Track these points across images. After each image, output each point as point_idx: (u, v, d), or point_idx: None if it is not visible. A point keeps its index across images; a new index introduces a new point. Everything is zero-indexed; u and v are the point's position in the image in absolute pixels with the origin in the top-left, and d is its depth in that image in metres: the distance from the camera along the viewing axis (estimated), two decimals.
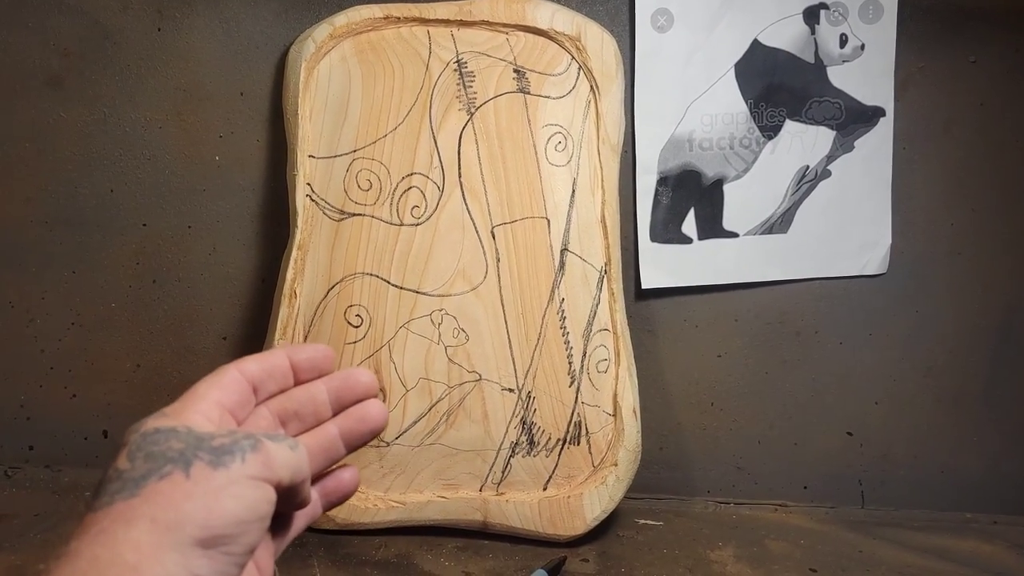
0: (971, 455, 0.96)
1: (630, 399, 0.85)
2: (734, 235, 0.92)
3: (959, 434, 0.96)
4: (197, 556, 0.34)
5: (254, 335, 0.90)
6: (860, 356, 0.95)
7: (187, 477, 0.35)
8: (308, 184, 0.84)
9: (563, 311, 0.84)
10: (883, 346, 0.95)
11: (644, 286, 0.92)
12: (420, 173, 0.84)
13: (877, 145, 0.91)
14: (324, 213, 0.84)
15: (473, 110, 0.85)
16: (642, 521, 0.92)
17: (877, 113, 0.91)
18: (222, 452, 0.37)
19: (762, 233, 0.92)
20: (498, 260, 0.84)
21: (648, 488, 0.94)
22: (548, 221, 0.85)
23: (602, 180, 0.86)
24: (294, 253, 0.84)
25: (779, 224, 0.92)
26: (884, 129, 0.91)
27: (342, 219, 0.84)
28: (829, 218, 0.92)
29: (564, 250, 0.85)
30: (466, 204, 0.84)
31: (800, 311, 0.94)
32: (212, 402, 0.41)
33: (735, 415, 0.95)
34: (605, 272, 0.86)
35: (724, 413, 0.95)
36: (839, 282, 0.94)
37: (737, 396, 0.95)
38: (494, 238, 0.84)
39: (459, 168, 0.84)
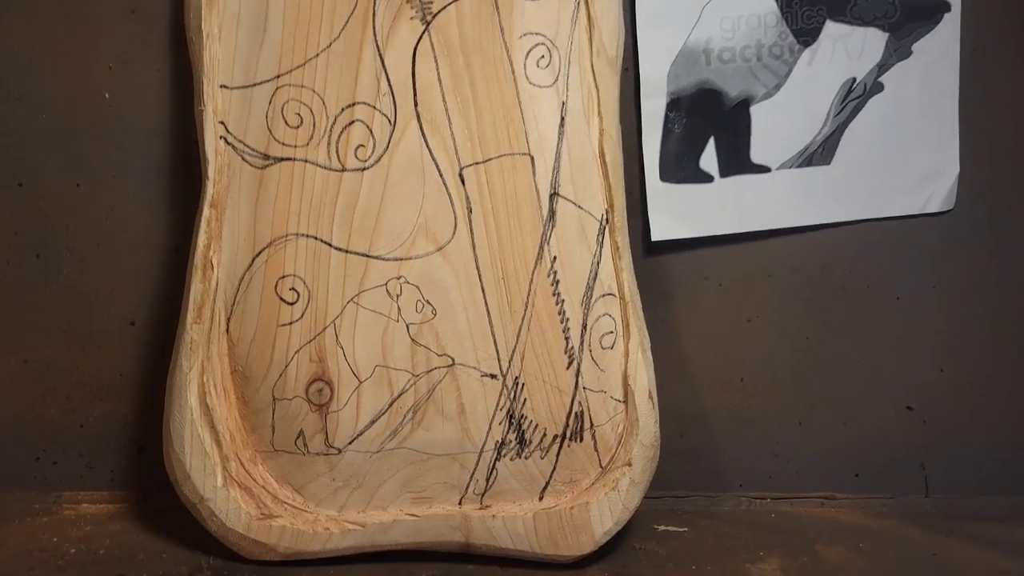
0: None
1: (644, 380, 0.67)
2: (765, 169, 0.74)
3: None
4: None
5: (169, 317, 0.71)
6: (921, 314, 0.78)
7: None
8: (221, 123, 0.66)
9: (555, 273, 0.66)
10: (949, 300, 0.78)
11: (655, 238, 0.74)
12: (364, 103, 0.65)
13: (941, 49, 0.73)
14: (244, 159, 0.65)
15: (429, 18, 0.66)
16: (662, 527, 0.75)
17: (940, 8, 0.73)
18: None
19: (799, 166, 0.74)
20: (469, 211, 0.66)
21: (668, 484, 0.77)
22: (532, 159, 0.66)
23: (598, 104, 0.68)
24: (206, 212, 0.65)
25: (820, 154, 0.74)
26: (949, 28, 0.73)
27: (267, 166, 0.65)
28: (882, 144, 0.74)
29: (554, 195, 0.66)
30: (425, 141, 0.65)
31: (847, 261, 0.77)
32: None
33: (770, 392, 0.79)
34: (607, 221, 0.68)
35: (756, 390, 0.78)
36: (895, 223, 0.76)
37: (772, 369, 0.78)
38: (463, 183, 0.66)
39: (414, 94, 0.65)
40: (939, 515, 0.78)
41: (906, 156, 0.74)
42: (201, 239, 0.65)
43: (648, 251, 0.76)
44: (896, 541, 0.73)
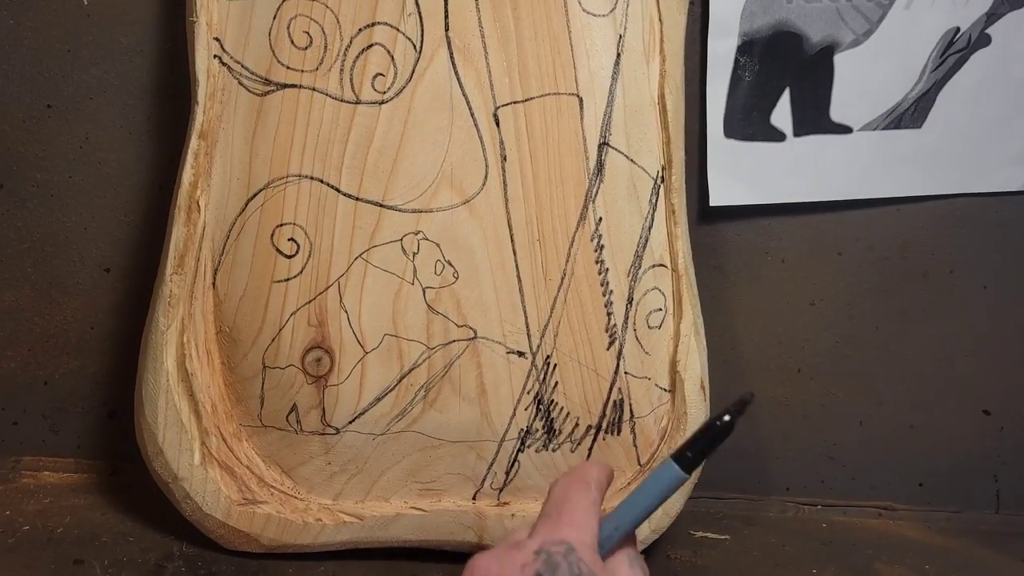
0: None
1: (696, 367, 0.58)
2: (846, 130, 0.64)
3: None
4: None
5: (148, 265, 0.62)
6: (1009, 306, 0.68)
7: None
8: (216, 39, 0.55)
9: (600, 236, 0.56)
10: None
11: (713, 203, 0.64)
12: (386, 23, 0.55)
13: None
14: (241, 83, 0.55)
15: None
16: (700, 534, 0.66)
17: None
18: None
19: (886, 128, 0.64)
20: (503, 159, 0.56)
21: (706, 484, 0.67)
22: (580, 100, 0.56)
23: (661, 41, 0.58)
24: (194, 144, 0.56)
25: (911, 115, 0.63)
26: None
27: (268, 93, 0.55)
28: (983, 107, 0.64)
29: (603, 145, 0.56)
30: (456, 72, 0.55)
31: (931, 242, 0.67)
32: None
33: (830, 386, 0.69)
34: (662, 179, 0.58)
35: (815, 383, 0.69)
36: (988, 201, 0.67)
37: (834, 360, 0.69)
38: (498, 125, 0.56)
39: (446, 16, 0.55)
40: (1012, 534, 0.69)
41: (1009, 123, 0.64)
42: (186, 175, 0.55)
43: (703, 218, 0.66)
44: (966, 563, 0.64)
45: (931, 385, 0.69)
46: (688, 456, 0.36)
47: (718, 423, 0.35)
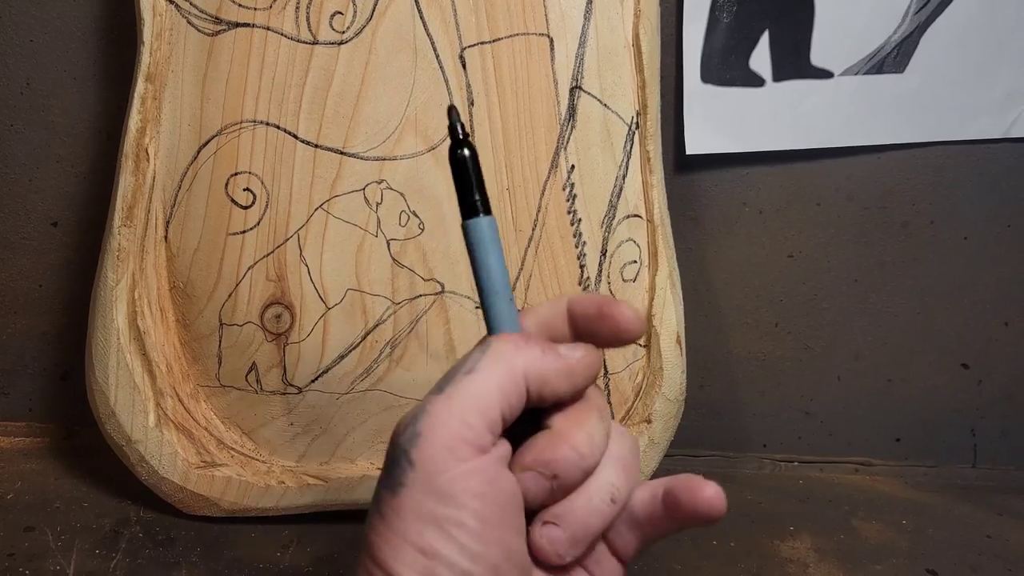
0: None
1: (672, 321, 0.56)
2: (826, 74, 0.61)
3: None
4: None
5: (97, 219, 0.59)
6: (992, 257, 0.67)
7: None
8: None
9: (572, 185, 0.54)
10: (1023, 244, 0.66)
11: (690, 151, 0.62)
12: None
13: None
14: (190, 22, 0.52)
15: None
16: None
17: None
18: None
19: (867, 72, 0.61)
20: (471, 103, 0.53)
21: (682, 441, 0.66)
22: (551, 41, 0.53)
23: None
24: (141, 88, 0.52)
25: (893, 59, 0.61)
26: None
27: (219, 32, 0.52)
28: (967, 51, 0.62)
29: (575, 88, 0.54)
30: (419, 10, 0.52)
31: (912, 191, 0.65)
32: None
33: (807, 340, 0.68)
34: (637, 125, 0.55)
35: (792, 337, 0.67)
36: (970, 149, 0.65)
37: (812, 313, 0.67)
38: (464, 67, 0.53)
39: None
40: (988, 489, 0.69)
41: (993, 69, 0.62)
42: (133, 121, 0.52)
43: (679, 167, 0.63)
44: (942, 518, 0.63)
45: (910, 338, 0.67)
46: (475, 202, 0.33)
47: (458, 153, 0.33)
